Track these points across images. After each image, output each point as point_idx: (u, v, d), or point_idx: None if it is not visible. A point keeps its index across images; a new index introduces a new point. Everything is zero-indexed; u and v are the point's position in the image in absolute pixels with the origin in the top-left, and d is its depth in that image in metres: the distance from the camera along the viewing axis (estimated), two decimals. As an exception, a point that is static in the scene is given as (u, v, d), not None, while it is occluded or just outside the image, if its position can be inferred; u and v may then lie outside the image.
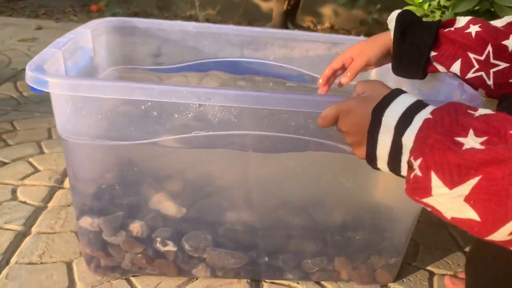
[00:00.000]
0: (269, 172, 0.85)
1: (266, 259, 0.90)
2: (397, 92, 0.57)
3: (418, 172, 0.48)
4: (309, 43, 1.11)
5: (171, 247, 0.86)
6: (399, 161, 0.55)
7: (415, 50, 0.80)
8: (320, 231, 0.90)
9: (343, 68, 0.89)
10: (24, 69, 0.79)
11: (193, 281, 0.90)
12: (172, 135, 0.74)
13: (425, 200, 0.48)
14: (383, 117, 0.55)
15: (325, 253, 0.91)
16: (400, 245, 0.93)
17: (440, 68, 0.80)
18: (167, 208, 0.87)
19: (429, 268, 1.01)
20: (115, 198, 0.84)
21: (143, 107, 0.72)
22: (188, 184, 0.86)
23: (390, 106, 0.56)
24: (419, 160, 0.48)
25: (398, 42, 0.81)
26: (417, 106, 0.54)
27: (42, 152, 1.31)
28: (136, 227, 0.85)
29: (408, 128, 0.52)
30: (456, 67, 0.77)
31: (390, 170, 0.57)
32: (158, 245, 0.86)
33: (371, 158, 0.59)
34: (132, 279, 0.89)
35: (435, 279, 0.98)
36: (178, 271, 0.89)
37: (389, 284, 0.94)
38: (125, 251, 0.86)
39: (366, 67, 0.86)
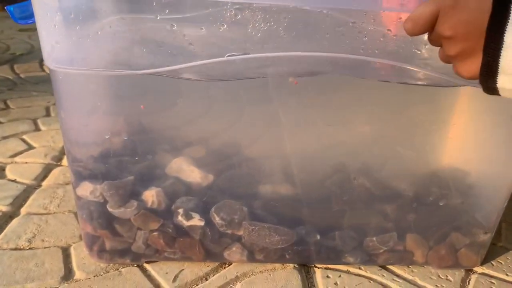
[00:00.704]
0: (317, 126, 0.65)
1: (318, 237, 0.69)
2: None
3: None
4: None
5: (197, 220, 0.65)
6: None
7: None
8: (387, 199, 0.70)
9: None
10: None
11: (225, 267, 0.69)
12: (198, 60, 0.54)
13: None
14: None
15: (394, 229, 0.70)
16: (490, 219, 0.71)
17: None
18: (189, 175, 0.67)
19: (519, 249, 0.79)
20: (123, 157, 0.64)
21: (158, 18, 0.52)
22: (216, 145, 0.66)
23: None
24: None
25: None
26: None
27: (38, 129, 1.12)
28: (151, 195, 0.65)
29: None
30: None
31: None
32: (181, 219, 0.65)
33: (490, 71, 0.40)
34: (147, 266, 0.69)
35: (532, 261, 0.76)
36: (205, 254, 0.68)
37: (476, 269, 0.73)
38: (137, 229, 0.66)
39: None
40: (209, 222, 0.66)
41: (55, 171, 0.94)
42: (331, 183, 0.70)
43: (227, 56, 0.53)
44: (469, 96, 0.63)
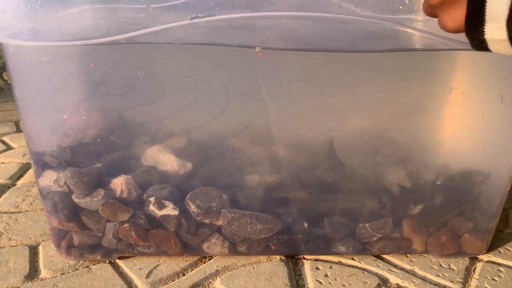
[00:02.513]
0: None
1: (306, 225, 0.63)
2: None
3: None
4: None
5: (171, 209, 0.60)
6: None
7: None
8: (381, 184, 0.64)
9: None
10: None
11: (205, 262, 0.63)
12: (160, 24, 0.49)
13: None
14: None
15: (389, 214, 0.64)
16: (493, 203, 0.65)
17: None
18: (166, 162, 0.62)
19: (529, 235, 0.72)
20: (86, 141, 0.59)
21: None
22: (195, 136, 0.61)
23: None
24: None
25: None
26: None
27: (19, 131, 1.07)
28: (119, 183, 0.59)
29: None
30: None
31: None
32: (152, 208, 0.60)
33: (476, 18, 0.34)
34: (119, 262, 0.63)
35: (544, 247, 0.70)
36: (182, 247, 0.62)
37: (481, 257, 0.67)
38: (106, 220, 0.61)
39: None
40: (184, 211, 0.60)
41: (32, 171, 0.89)
42: (322, 169, 0.64)
43: (190, 19, 0.48)
44: (469, 73, 0.58)
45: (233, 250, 0.63)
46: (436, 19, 0.40)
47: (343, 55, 0.55)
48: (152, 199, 0.60)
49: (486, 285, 0.60)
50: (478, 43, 0.36)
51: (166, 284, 0.59)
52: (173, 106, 0.62)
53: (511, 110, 0.59)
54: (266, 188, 0.64)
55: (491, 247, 0.68)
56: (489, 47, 0.36)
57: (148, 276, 0.60)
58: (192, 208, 0.60)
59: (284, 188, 0.64)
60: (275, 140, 0.63)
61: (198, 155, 0.63)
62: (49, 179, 0.59)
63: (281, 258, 0.64)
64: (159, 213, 0.60)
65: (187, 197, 0.60)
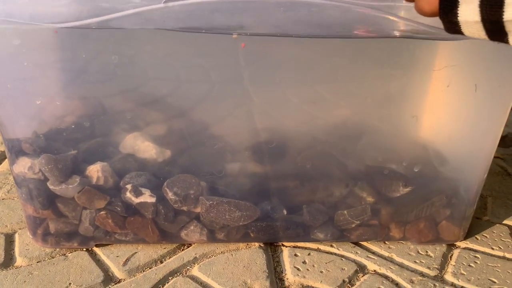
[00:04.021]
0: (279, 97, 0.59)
1: (285, 212, 0.63)
2: None
3: None
4: None
5: (148, 197, 0.59)
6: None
7: None
8: (360, 172, 0.64)
9: None
10: None
11: (183, 249, 0.63)
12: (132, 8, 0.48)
13: None
14: None
15: (367, 201, 0.64)
16: (470, 190, 0.65)
17: None
18: (144, 150, 0.61)
19: (506, 222, 0.73)
20: (65, 131, 0.58)
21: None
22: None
23: None
24: None
25: None
26: None
27: (-3, 118, 1.05)
28: (96, 170, 0.59)
29: None
30: None
31: (487, 25, 0.32)
32: (129, 195, 0.59)
33: (450, 2, 0.34)
34: (97, 249, 0.63)
35: (520, 234, 0.70)
36: (160, 235, 0.62)
37: (458, 243, 0.67)
38: (83, 208, 0.60)
39: None
40: (161, 199, 0.60)
41: (10, 158, 0.87)
42: (302, 157, 0.64)
43: (164, 2, 0.47)
44: (445, 68, 0.58)
45: (212, 238, 0.63)
46: (413, 4, 0.40)
47: (326, 44, 0.55)
48: (128, 186, 0.59)
49: (462, 271, 0.61)
50: (452, 26, 0.36)
51: (143, 271, 0.59)
52: (153, 94, 0.61)
53: (487, 99, 0.59)
54: (246, 176, 0.64)
55: (469, 234, 0.69)
56: (462, 30, 0.36)
57: (125, 263, 0.60)
58: (170, 195, 0.59)
59: (264, 176, 0.64)
60: (257, 127, 0.62)
61: (178, 143, 0.63)
62: (24, 166, 0.58)
63: (260, 245, 0.64)
64: (136, 200, 0.59)
65: (165, 184, 0.59)
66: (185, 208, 0.60)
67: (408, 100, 0.62)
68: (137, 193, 0.59)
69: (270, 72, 0.59)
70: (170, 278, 0.58)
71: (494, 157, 0.94)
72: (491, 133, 0.62)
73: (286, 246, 0.65)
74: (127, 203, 0.60)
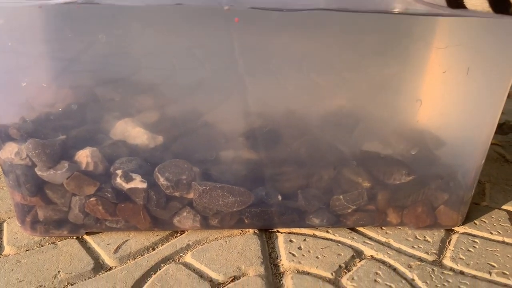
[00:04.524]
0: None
1: (280, 198, 0.62)
2: None
3: None
4: None
5: (138, 182, 0.58)
6: None
7: None
8: (356, 156, 0.63)
9: None
10: None
11: (176, 236, 0.62)
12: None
13: None
14: None
15: (363, 186, 0.62)
16: (468, 175, 0.64)
17: None
18: (135, 136, 0.60)
19: (505, 207, 0.72)
20: (54, 117, 0.56)
21: None
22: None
23: None
24: None
25: None
26: None
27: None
28: (85, 155, 0.57)
29: None
30: None
31: None
32: (119, 181, 0.57)
33: None
34: (87, 237, 0.61)
35: (519, 218, 0.69)
36: (152, 221, 0.60)
37: (456, 228, 0.66)
38: (72, 194, 0.58)
39: None
40: (153, 184, 0.58)
41: (0, 148, 0.85)
42: (298, 144, 0.63)
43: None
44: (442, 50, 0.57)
45: (205, 224, 0.62)
46: None
47: (321, 30, 0.53)
48: (119, 171, 0.58)
49: (461, 256, 0.60)
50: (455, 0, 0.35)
51: (135, 258, 0.58)
52: (146, 82, 0.60)
53: (484, 84, 0.58)
54: (240, 162, 0.62)
55: (467, 220, 0.68)
56: (464, 2, 0.35)
57: (116, 251, 0.58)
58: (161, 180, 0.58)
59: (259, 162, 0.63)
60: (251, 114, 0.61)
61: (170, 130, 0.61)
62: (10, 151, 0.56)
63: (254, 232, 0.63)
64: (126, 186, 0.58)
65: (156, 169, 0.58)
66: (177, 194, 0.59)
67: (405, 85, 0.61)
68: (128, 179, 0.57)
69: (265, 59, 0.57)
70: (162, 265, 0.57)
71: (492, 144, 0.93)
72: (488, 118, 0.61)
73: (281, 232, 0.64)
74: (117, 189, 0.58)
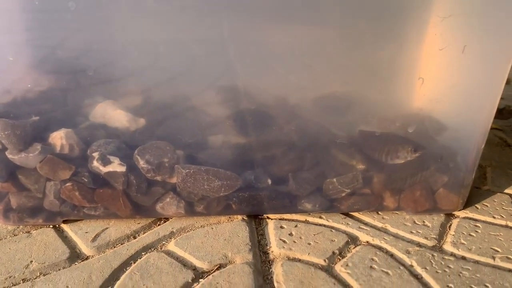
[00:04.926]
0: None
1: (270, 181, 0.58)
2: None
3: None
4: None
5: (117, 165, 0.54)
6: None
7: None
8: (350, 139, 0.59)
9: None
10: None
11: (159, 224, 0.58)
12: None
13: None
14: None
15: (358, 168, 0.59)
16: (469, 157, 0.61)
17: None
18: (116, 118, 0.56)
19: (507, 191, 0.68)
20: (30, 98, 0.52)
21: None
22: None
23: None
24: None
25: None
26: None
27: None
28: (59, 137, 0.53)
29: None
30: None
31: None
32: (96, 164, 0.54)
33: None
34: (64, 226, 0.57)
35: (523, 202, 0.66)
36: (133, 208, 0.57)
37: (457, 213, 0.62)
38: (46, 179, 0.55)
39: None
40: (133, 168, 0.55)
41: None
42: (289, 129, 0.59)
43: None
44: (440, 31, 0.53)
45: (190, 211, 0.58)
46: None
47: (313, 11, 0.50)
48: (96, 154, 0.54)
49: (462, 241, 0.56)
50: None
51: (114, 247, 0.54)
52: (131, 65, 0.56)
53: (483, 64, 0.55)
54: (229, 145, 0.58)
55: (468, 204, 0.64)
56: None
57: (94, 239, 0.55)
58: (141, 163, 0.54)
59: (248, 145, 0.59)
60: (241, 97, 0.57)
61: (155, 113, 0.58)
62: (-21, 134, 0.52)
63: (243, 218, 0.59)
64: (103, 169, 0.54)
65: (136, 151, 0.54)
66: (159, 178, 0.55)
67: (401, 66, 0.57)
68: (105, 162, 0.54)
69: (256, 44, 0.54)
70: (143, 253, 0.53)
71: (493, 128, 0.90)
72: (487, 99, 0.57)
73: (272, 219, 0.60)
74: (94, 173, 0.54)
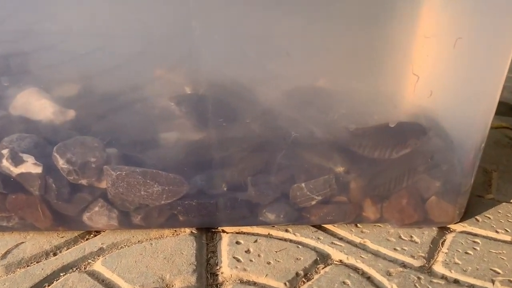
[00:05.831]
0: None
1: (225, 188, 0.48)
2: None
3: None
4: None
5: (30, 166, 0.44)
6: None
7: None
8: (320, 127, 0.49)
9: None
10: None
11: (87, 239, 0.48)
12: None
13: None
14: None
15: (332, 171, 0.49)
16: (466, 159, 0.50)
17: None
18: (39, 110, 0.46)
19: (514, 201, 0.58)
20: None
21: None
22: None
23: None
24: None
25: None
26: None
27: None
28: (-40, 131, 0.43)
29: None
30: None
31: None
32: (5, 163, 0.44)
33: None
34: (-28, 240, 0.47)
35: (532, 214, 0.55)
36: (55, 218, 0.47)
37: (453, 226, 0.52)
38: None
39: None
40: (52, 169, 0.45)
41: None
42: (255, 124, 0.49)
43: None
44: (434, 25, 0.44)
45: (126, 222, 0.48)
46: None
47: None
48: (5, 151, 0.44)
49: (457, 260, 0.46)
50: None
51: (27, 266, 0.44)
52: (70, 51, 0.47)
53: (481, 56, 0.46)
54: (182, 145, 0.49)
55: (466, 215, 0.54)
56: None
57: (4, 256, 0.44)
58: (61, 163, 0.44)
59: (203, 142, 0.49)
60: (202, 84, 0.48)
61: (93, 104, 0.48)
62: None
63: (191, 232, 0.49)
64: (15, 170, 0.44)
65: (54, 149, 0.44)
66: (84, 182, 0.45)
67: (391, 55, 0.48)
68: (17, 161, 0.44)
69: (224, 24, 0.45)
70: (61, 274, 0.43)
71: (502, 127, 0.79)
72: (487, 94, 0.48)
73: (228, 233, 0.50)
74: (4, 174, 0.44)
